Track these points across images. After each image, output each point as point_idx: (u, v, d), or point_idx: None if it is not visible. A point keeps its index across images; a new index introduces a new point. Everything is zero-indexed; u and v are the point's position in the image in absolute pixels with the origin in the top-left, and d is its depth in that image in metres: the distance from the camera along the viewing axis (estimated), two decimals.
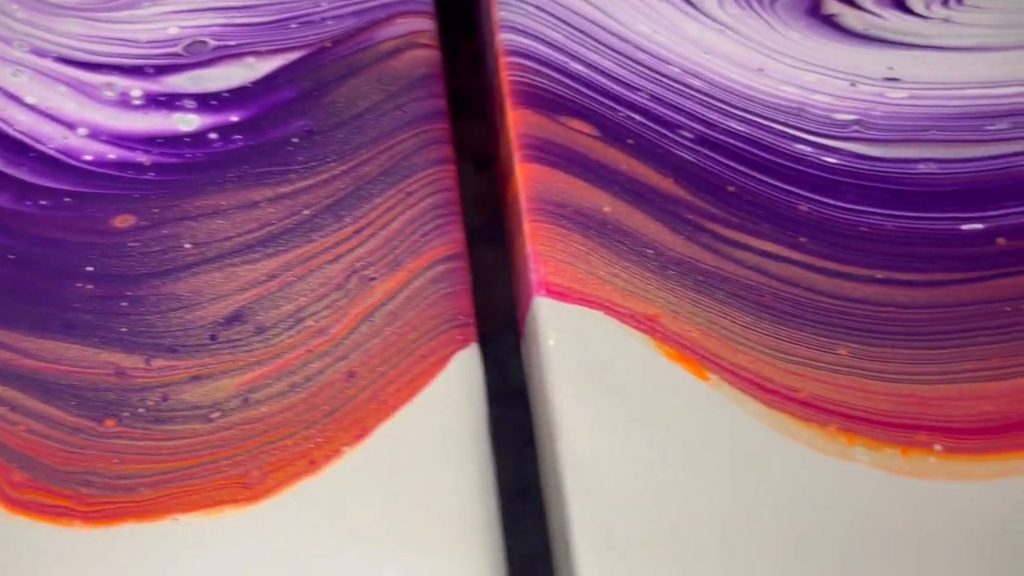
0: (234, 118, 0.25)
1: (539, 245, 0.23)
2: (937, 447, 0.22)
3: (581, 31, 0.26)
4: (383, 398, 0.22)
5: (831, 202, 0.24)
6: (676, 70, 0.25)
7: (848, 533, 0.21)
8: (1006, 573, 0.21)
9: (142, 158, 0.24)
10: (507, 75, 0.25)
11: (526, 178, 0.24)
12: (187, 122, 0.25)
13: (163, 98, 0.25)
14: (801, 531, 0.21)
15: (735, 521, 0.21)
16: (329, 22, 0.26)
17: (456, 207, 0.24)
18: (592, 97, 0.25)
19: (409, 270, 0.23)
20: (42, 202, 0.24)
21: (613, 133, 0.25)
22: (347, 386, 0.22)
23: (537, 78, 0.25)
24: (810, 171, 0.24)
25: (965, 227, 0.24)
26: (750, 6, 0.26)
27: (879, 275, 0.23)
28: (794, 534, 0.21)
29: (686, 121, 0.25)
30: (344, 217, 0.24)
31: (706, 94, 0.25)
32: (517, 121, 0.25)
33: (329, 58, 0.25)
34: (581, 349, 0.23)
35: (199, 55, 0.25)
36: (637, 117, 0.25)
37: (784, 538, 0.21)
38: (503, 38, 0.25)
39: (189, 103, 0.25)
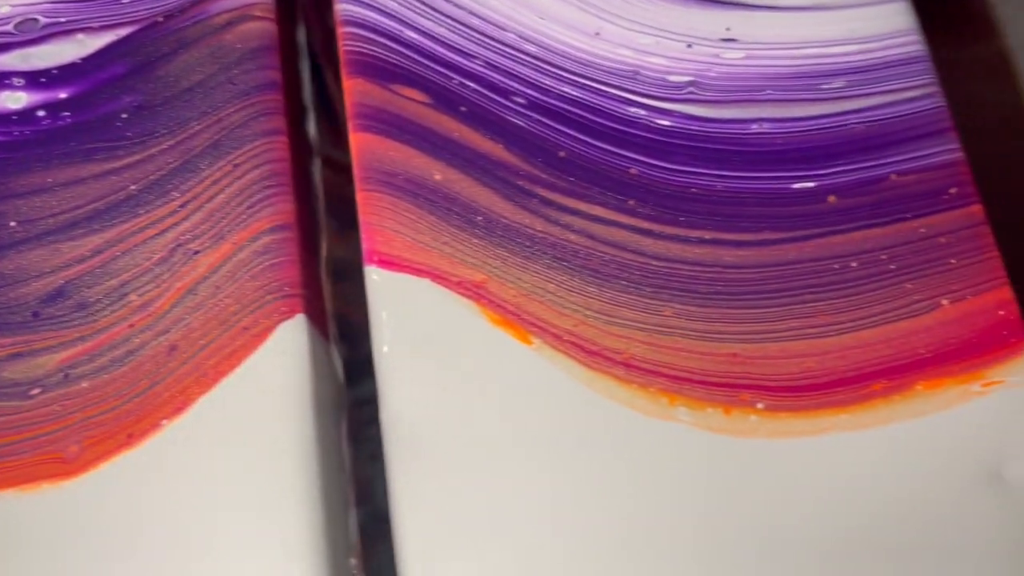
0: (63, 95, 0.24)
1: (369, 215, 0.23)
2: (760, 405, 0.22)
3: None
4: (204, 371, 0.22)
5: (662, 164, 0.24)
6: (512, 36, 0.25)
7: (669, 493, 0.21)
8: (825, 528, 0.21)
9: None
10: (343, 45, 0.25)
11: (358, 148, 0.24)
12: (15, 100, 0.24)
13: None
14: (621, 491, 0.21)
15: (557, 483, 0.21)
16: None
17: (286, 178, 0.24)
18: (426, 65, 0.25)
19: (234, 242, 0.23)
20: None
21: (446, 101, 0.24)
22: (168, 360, 0.22)
23: (372, 47, 0.25)
24: (642, 134, 0.24)
25: (796, 186, 0.24)
26: None
27: (707, 236, 0.23)
28: (614, 494, 0.21)
29: (520, 87, 0.25)
30: (171, 191, 0.23)
31: (541, 60, 0.25)
32: (351, 91, 0.24)
33: (161, 32, 0.25)
34: (408, 317, 0.23)
35: (29, 33, 0.25)
36: (471, 84, 0.25)
37: (604, 498, 0.21)
38: (340, 8, 0.25)
39: (18, 81, 0.25)
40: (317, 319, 0.24)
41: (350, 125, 0.24)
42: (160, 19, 0.25)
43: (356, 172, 0.24)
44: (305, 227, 0.24)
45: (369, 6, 0.25)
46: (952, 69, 0.27)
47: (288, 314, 0.23)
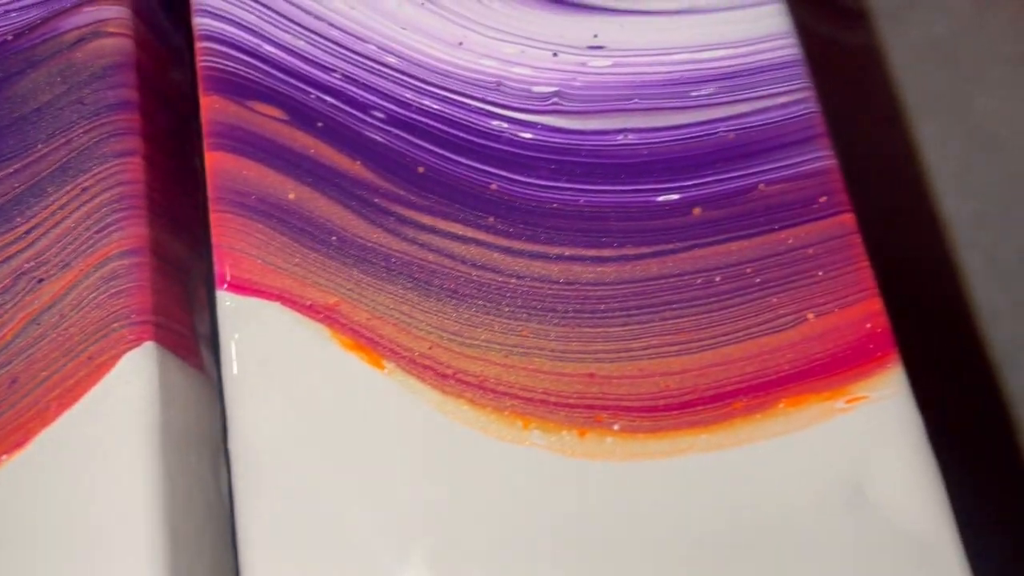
0: None
1: (221, 237, 0.23)
2: (616, 427, 0.21)
3: (275, 11, 0.25)
4: (45, 404, 0.21)
5: (523, 179, 0.23)
6: (371, 47, 0.24)
7: (523, 519, 0.21)
8: (683, 551, 0.21)
9: None
10: (199, 61, 0.24)
11: (211, 167, 0.23)
12: None
13: None
14: (475, 518, 0.21)
15: (407, 511, 0.21)
16: (13, 14, 0.25)
17: (140, 201, 0.23)
18: (284, 80, 0.24)
19: (80, 269, 0.22)
20: None
21: (303, 117, 0.24)
22: (9, 393, 0.21)
23: (229, 63, 0.24)
24: (504, 148, 0.24)
25: (660, 198, 0.23)
26: None
27: (567, 252, 0.23)
28: (467, 521, 0.21)
29: (378, 101, 0.24)
30: (15, 217, 0.23)
31: (401, 72, 0.24)
32: (206, 108, 0.24)
33: (9, 52, 0.24)
34: (257, 342, 0.22)
35: None
36: (328, 99, 0.24)
37: (458, 525, 0.21)
38: (196, 23, 0.25)
39: None
40: (176, 346, 0.23)
41: (205, 144, 0.24)
42: (9, 38, 0.24)
43: (209, 192, 0.23)
44: (164, 251, 0.24)
45: (227, 19, 0.25)
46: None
47: (135, 343, 0.22)
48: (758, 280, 0.22)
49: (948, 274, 0.45)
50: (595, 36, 0.25)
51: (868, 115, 0.47)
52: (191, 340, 0.25)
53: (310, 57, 0.24)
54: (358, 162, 0.23)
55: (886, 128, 0.47)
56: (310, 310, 0.22)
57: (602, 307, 0.22)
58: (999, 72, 0.48)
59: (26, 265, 0.22)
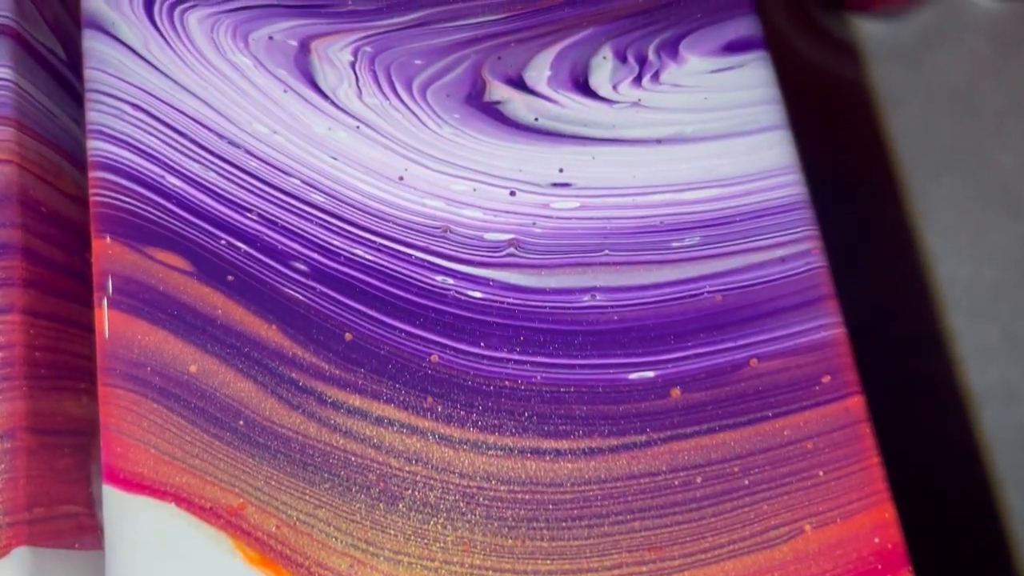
0: None
1: (109, 417, 0.19)
2: None
3: (183, 134, 0.21)
4: None
5: (469, 350, 0.20)
6: (296, 182, 0.21)
7: None
8: None
9: None
10: (92, 194, 0.20)
11: (101, 328, 0.20)
12: None
13: None
14: None
15: None
16: None
17: (16, 369, 0.20)
18: (190, 221, 0.20)
19: None
20: None
21: (210, 268, 0.20)
22: None
23: (125, 198, 0.20)
24: (448, 310, 0.20)
25: (633, 376, 0.20)
26: (396, 94, 0.21)
27: (521, 444, 0.19)
28: None
29: (301, 250, 0.20)
30: None
31: (329, 213, 0.20)
32: (98, 254, 0.20)
33: None
34: (147, 550, 0.18)
35: None
36: (242, 246, 0.20)
37: None
38: (91, 147, 0.21)
39: None
40: (59, 535, 0.20)
41: (94, 297, 0.20)
42: None
43: (99, 361, 0.20)
44: (48, 422, 0.20)
45: (124, 144, 0.21)
46: None
47: (2, 551, 0.18)
48: (746, 481, 0.19)
49: (961, 349, 0.41)
50: (560, 171, 0.21)
51: (880, 168, 0.43)
52: (84, 516, 0.21)
53: (222, 193, 0.21)
54: (274, 325, 0.20)
55: (898, 183, 0.43)
56: (210, 514, 0.19)
57: (561, 515, 0.19)
58: (1021, 125, 0.44)
59: None
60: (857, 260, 0.42)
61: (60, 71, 0.24)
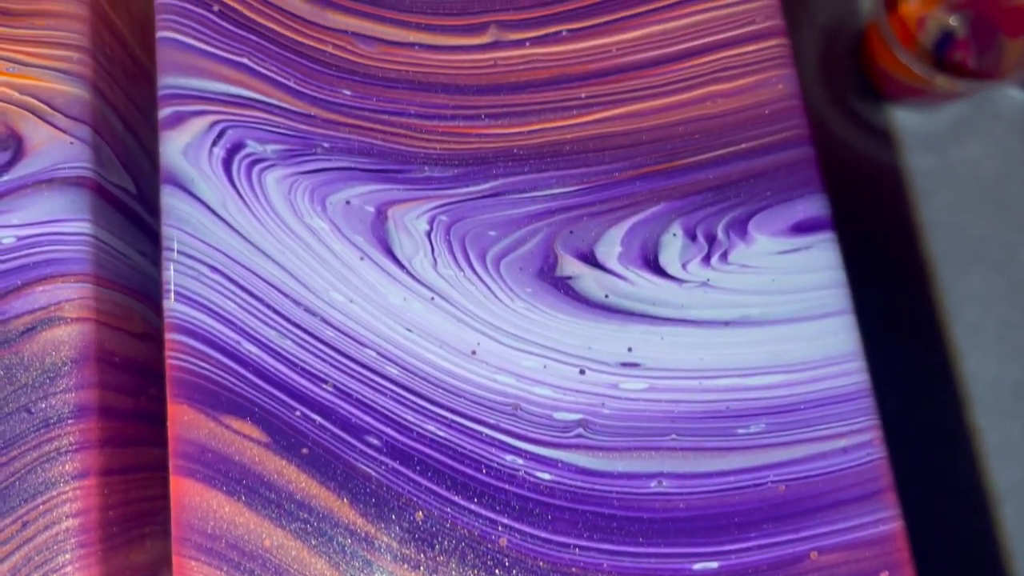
0: None
1: None
2: None
3: (261, 300, 0.21)
4: None
5: (537, 534, 0.20)
6: (371, 353, 0.21)
7: None
8: None
9: None
10: (169, 358, 0.21)
11: (176, 497, 0.20)
12: None
13: None
14: None
15: None
16: None
17: (91, 535, 0.20)
18: (265, 391, 0.21)
19: None
20: None
21: (285, 440, 0.20)
22: None
23: (202, 363, 0.21)
24: (518, 492, 0.20)
25: (697, 566, 0.20)
26: (470, 265, 0.22)
27: None
28: None
29: (375, 424, 0.21)
30: None
31: (403, 386, 0.21)
32: (174, 421, 0.20)
33: None
34: None
35: None
36: (316, 418, 0.21)
37: None
38: (169, 308, 0.21)
39: None
40: None
41: (171, 465, 0.20)
42: None
43: (173, 531, 0.20)
44: None
45: (203, 308, 0.21)
46: None
47: None
48: None
49: (984, 446, 0.42)
50: (629, 350, 0.21)
51: (910, 257, 0.44)
52: None
53: (298, 362, 0.21)
54: (346, 500, 0.20)
55: (928, 274, 0.44)
56: None
57: None
58: None
59: None
60: (884, 350, 0.42)
61: (131, 208, 0.24)
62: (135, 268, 0.24)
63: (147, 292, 0.25)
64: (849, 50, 0.43)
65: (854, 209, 0.43)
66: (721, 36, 0.23)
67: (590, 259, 0.22)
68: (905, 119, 0.44)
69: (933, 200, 0.44)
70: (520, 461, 0.21)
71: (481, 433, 0.21)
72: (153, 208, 0.26)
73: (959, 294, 0.43)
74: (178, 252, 0.21)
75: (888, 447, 0.21)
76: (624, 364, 0.21)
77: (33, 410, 0.20)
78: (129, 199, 0.24)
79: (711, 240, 0.22)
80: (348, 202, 0.22)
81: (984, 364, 0.43)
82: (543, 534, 0.20)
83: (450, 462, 0.21)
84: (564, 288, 0.22)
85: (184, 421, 0.21)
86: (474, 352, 0.21)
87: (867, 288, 0.43)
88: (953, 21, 0.42)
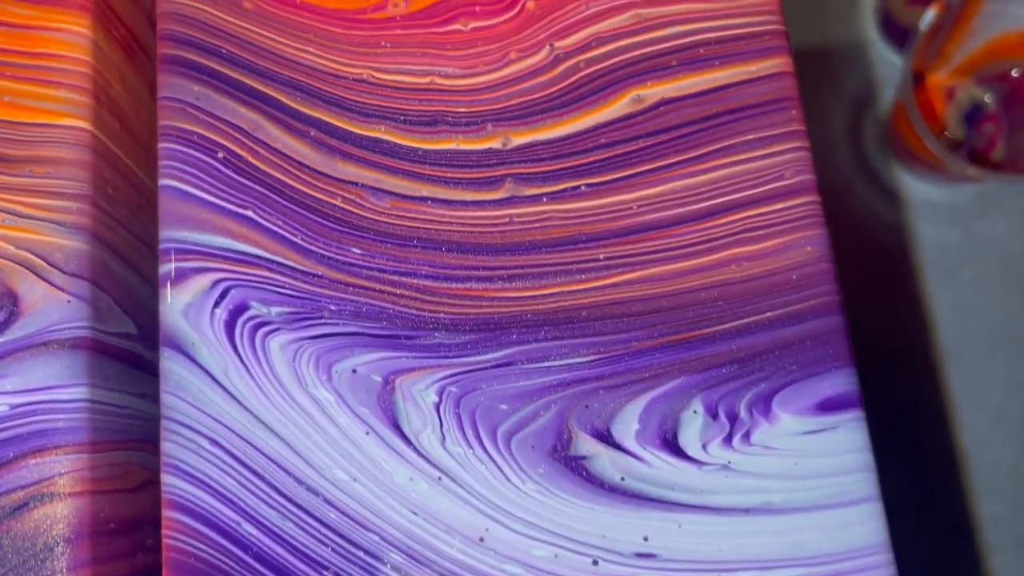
0: None
1: None
2: None
3: (262, 477, 0.20)
4: None
5: None
6: (374, 538, 0.20)
7: None
8: None
9: None
10: (166, 536, 0.20)
11: None
12: None
13: None
14: None
15: None
16: None
17: None
18: None
19: None
20: None
21: None
22: None
23: (201, 545, 0.20)
24: None
25: None
26: (480, 442, 0.21)
27: None
28: None
29: None
30: None
31: None
32: None
33: None
34: None
35: None
36: None
37: None
38: (167, 483, 0.20)
39: None
40: None
41: None
42: None
43: None
44: None
45: (201, 484, 0.20)
46: None
47: None
48: None
49: (1002, 538, 0.41)
50: (645, 539, 0.20)
51: (930, 339, 0.43)
52: None
53: (299, 547, 0.20)
54: None
55: (949, 356, 0.42)
56: None
57: None
58: None
59: None
60: (903, 437, 0.41)
61: (132, 352, 0.23)
62: (134, 417, 0.23)
63: (147, 437, 0.24)
64: (877, 119, 0.42)
65: (872, 288, 0.42)
66: (747, 193, 0.22)
67: (606, 437, 0.21)
68: (930, 192, 0.42)
69: (956, 278, 0.42)
70: None
71: None
72: (155, 343, 0.25)
73: (982, 377, 0.42)
74: (176, 422, 0.21)
75: (903, 539, 0.20)
76: (640, 555, 0.20)
77: None
78: (130, 343, 0.23)
79: (733, 419, 0.21)
80: (355, 371, 0.21)
81: (1005, 452, 0.42)
82: None
83: None
84: (578, 469, 0.21)
85: None
86: (482, 539, 0.20)
87: (887, 371, 0.42)
88: (983, 94, 0.41)
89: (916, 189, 0.42)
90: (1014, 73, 0.39)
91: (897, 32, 0.42)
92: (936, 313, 0.43)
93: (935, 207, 0.43)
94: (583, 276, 0.22)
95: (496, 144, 0.23)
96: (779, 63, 0.23)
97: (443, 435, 0.21)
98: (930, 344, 0.42)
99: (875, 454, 0.20)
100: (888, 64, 0.42)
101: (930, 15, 0.36)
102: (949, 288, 0.43)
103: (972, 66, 0.40)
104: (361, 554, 0.20)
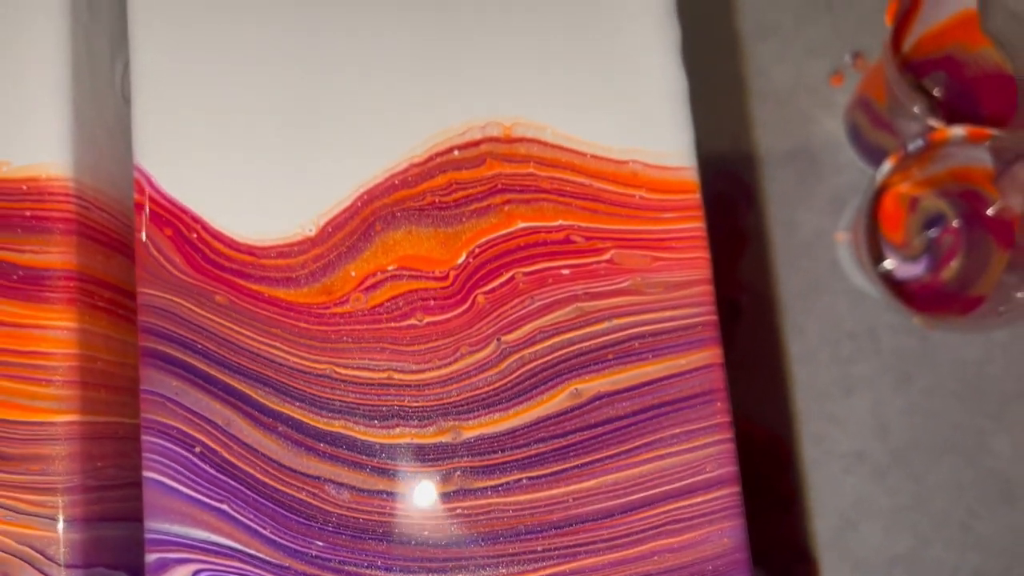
0: None
1: None
2: None
3: None
4: None
5: None
6: None
7: None
8: None
9: None
10: None
11: None
12: None
13: None
14: None
15: None
16: None
17: None
18: None
19: None
20: None
21: None
22: None
23: None
24: None
25: None
26: None
27: None
28: None
29: None
30: None
31: None
32: None
33: None
34: None
35: None
36: None
37: None
38: None
39: None
40: None
41: None
42: None
43: None
44: None
45: None
46: None
47: None
48: None
49: None
50: None
51: (880, 443, 0.45)
52: None
53: None
54: None
55: (899, 461, 0.45)
56: None
57: None
58: (1022, 410, 0.46)
59: None
60: (850, 537, 0.44)
61: None
62: None
63: None
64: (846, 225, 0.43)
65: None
66: (672, 487, 0.25)
67: None
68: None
69: (911, 385, 0.45)
70: None
71: None
72: None
73: (930, 481, 0.45)
74: None
75: None
76: None
77: None
78: None
79: None
80: None
81: (947, 552, 0.45)
82: None
83: None
84: None
85: None
86: None
87: (833, 474, 0.45)
88: (946, 206, 0.42)
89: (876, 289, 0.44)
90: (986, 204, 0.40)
91: (865, 147, 0.44)
92: (889, 415, 0.45)
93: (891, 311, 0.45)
94: (521, 568, 0.24)
95: (447, 438, 0.25)
96: (708, 355, 0.25)
97: None
98: (879, 446, 0.45)
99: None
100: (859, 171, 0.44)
101: (886, 166, 0.37)
102: (904, 392, 0.45)
103: (936, 182, 0.42)
104: None
